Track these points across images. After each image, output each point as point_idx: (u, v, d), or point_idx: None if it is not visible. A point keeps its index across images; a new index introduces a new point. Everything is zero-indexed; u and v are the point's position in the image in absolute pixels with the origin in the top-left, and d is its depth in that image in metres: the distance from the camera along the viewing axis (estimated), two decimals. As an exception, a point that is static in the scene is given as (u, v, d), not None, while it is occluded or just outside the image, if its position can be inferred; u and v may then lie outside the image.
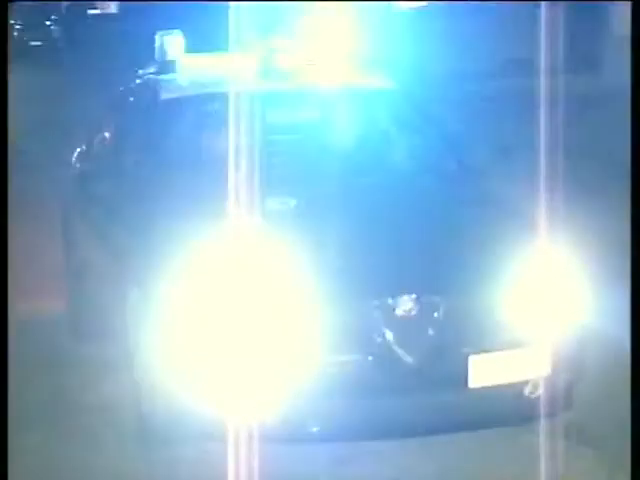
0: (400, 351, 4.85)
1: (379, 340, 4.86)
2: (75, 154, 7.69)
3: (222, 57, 7.22)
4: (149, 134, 6.42)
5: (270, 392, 4.79)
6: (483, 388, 4.89)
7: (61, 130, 14.02)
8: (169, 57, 6.76)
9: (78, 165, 7.55)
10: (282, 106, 6.63)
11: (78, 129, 8.08)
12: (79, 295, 7.11)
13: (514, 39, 22.51)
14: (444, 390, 4.92)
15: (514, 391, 4.97)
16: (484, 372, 4.89)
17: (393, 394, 4.91)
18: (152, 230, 5.68)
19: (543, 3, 12.76)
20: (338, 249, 5.18)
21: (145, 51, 7.54)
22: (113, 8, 44.06)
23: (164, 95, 6.53)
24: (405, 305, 4.89)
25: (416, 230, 5.48)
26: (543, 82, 9.57)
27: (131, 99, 7.22)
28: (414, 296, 4.90)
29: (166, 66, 6.80)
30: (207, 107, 6.68)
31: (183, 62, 6.82)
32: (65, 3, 43.04)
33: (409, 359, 4.85)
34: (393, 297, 4.90)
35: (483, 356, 4.88)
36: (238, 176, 5.87)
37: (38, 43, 39.49)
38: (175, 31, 6.85)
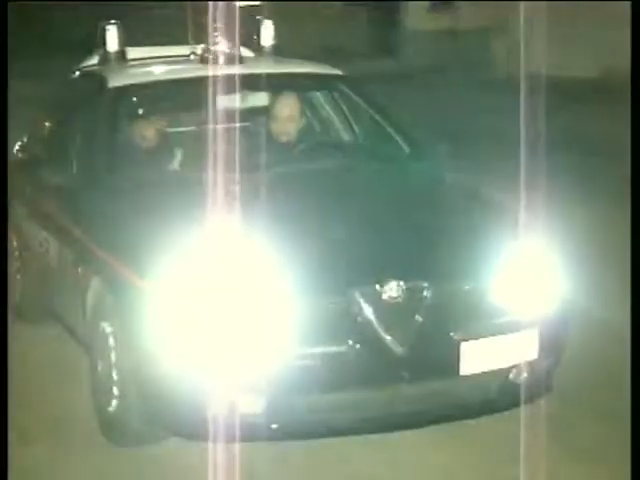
0: (390, 339, 4.67)
1: (368, 328, 4.68)
2: (20, 143, 7.39)
3: (166, 48, 7.13)
4: (98, 122, 6.14)
5: (255, 386, 4.61)
6: (474, 375, 4.77)
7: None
8: (113, 47, 6.62)
9: (23, 155, 7.27)
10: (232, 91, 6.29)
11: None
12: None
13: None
14: (435, 378, 4.81)
15: (502, 376, 4.88)
16: (475, 359, 4.76)
17: (384, 384, 4.76)
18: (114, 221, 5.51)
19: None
20: (320, 236, 5.01)
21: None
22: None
23: (112, 83, 6.29)
24: (393, 291, 4.69)
25: (398, 217, 5.39)
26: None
27: (77, 88, 7.00)
28: (402, 282, 4.71)
29: (111, 55, 6.66)
30: (157, 93, 6.48)
31: (131, 53, 6.73)
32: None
33: (399, 347, 4.68)
34: (380, 283, 4.70)
35: (474, 342, 4.75)
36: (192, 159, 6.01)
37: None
38: (115, 22, 6.66)
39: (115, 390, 5.11)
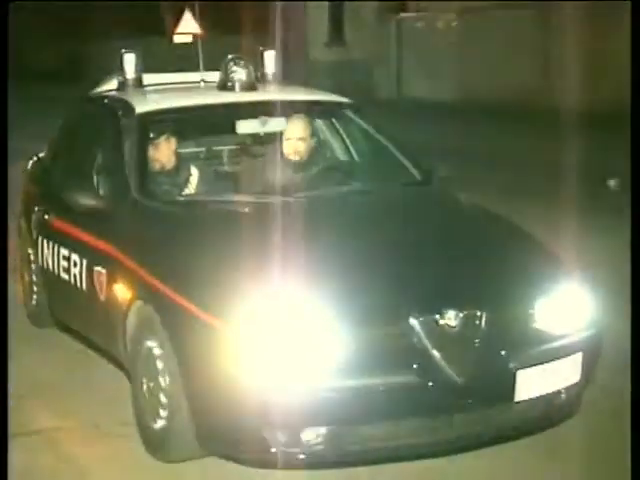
0: (449, 369, 3.83)
1: (427, 358, 3.83)
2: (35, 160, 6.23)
3: (178, 75, 6.14)
4: (128, 146, 5.09)
5: (317, 416, 3.76)
6: (527, 400, 3.99)
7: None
8: (131, 73, 5.64)
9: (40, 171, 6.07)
10: (244, 116, 5.43)
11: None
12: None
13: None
14: (492, 405, 4.02)
15: (551, 399, 4.13)
16: (529, 385, 3.97)
17: (443, 412, 3.92)
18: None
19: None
20: (371, 265, 4.15)
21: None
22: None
23: (139, 109, 5.24)
24: (451, 320, 3.87)
25: (439, 243, 4.54)
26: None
27: (99, 112, 5.80)
28: (459, 311, 3.88)
29: (129, 81, 5.66)
30: (182, 118, 5.46)
31: (146, 79, 5.75)
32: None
33: (459, 377, 3.84)
34: (439, 313, 3.87)
35: (529, 370, 3.96)
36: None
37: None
38: (134, 51, 5.68)
39: (162, 410, 4.21)
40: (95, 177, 5.17)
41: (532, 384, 3.96)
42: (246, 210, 4.80)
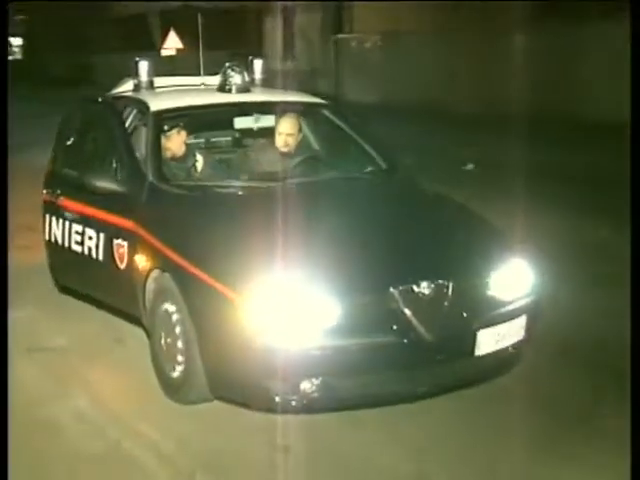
0: (423, 329, 3.51)
1: (405, 321, 3.50)
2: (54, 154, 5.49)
3: (182, 79, 5.65)
4: (145, 137, 4.68)
5: (313, 368, 3.45)
6: (484, 354, 3.70)
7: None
8: (144, 77, 5.19)
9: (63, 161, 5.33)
10: (241, 113, 5.19)
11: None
12: None
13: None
14: (457, 359, 3.72)
15: (502, 353, 3.82)
16: (486, 343, 3.68)
17: (418, 365, 3.63)
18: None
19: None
20: (357, 243, 3.80)
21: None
22: None
23: (153, 107, 4.78)
24: (425, 289, 3.55)
25: (412, 224, 4.16)
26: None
27: (117, 109, 5.17)
28: (431, 281, 3.56)
29: (142, 84, 5.20)
30: (190, 115, 4.95)
31: (156, 82, 5.29)
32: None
33: (430, 336, 3.51)
34: (415, 283, 3.54)
35: (486, 330, 3.67)
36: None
37: None
38: (147, 58, 5.29)
39: (178, 362, 3.84)
40: (114, 164, 4.63)
41: (488, 341, 3.66)
42: (246, 193, 4.40)
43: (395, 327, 3.47)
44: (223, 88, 5.03)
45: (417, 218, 4.28)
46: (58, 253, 5.08)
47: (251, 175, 4.64)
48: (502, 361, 3.87)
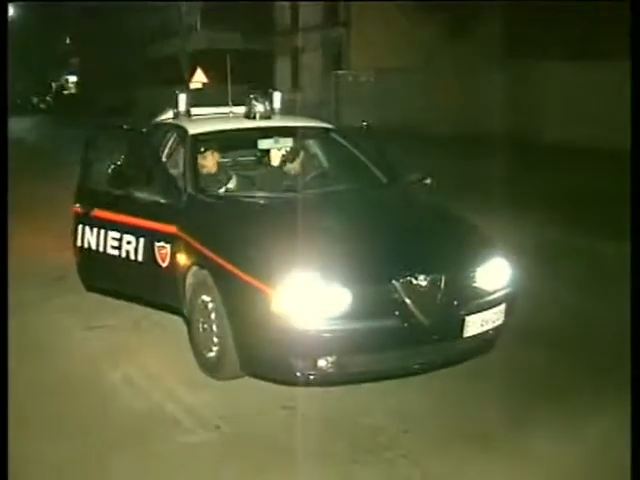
0: (420, 315, 3.50)
1: (404, 308, 3.48)
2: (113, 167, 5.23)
3: (213, 109, 5.53)
4: (185, 156, 4.62)
5: (328, 348, 3.42)
6: (471, 336, 3.67)
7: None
8: (182, 107, 5.19)
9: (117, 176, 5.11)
10: (264, 136, 5.03)
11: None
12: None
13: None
14: (448, 340, 3.68)
15: (485, 335, 3.77)
16: (472, 326, 3.65)
17: (416, 344, 3.59)
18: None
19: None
20: (365, 243, 3.76)
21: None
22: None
23: (191, 131, 4.77)
24: (421, 282, 3.52)
25: (409, 228, 4.12)
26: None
27: (161, 134, 5.23)
28: (427, 275, 3.53)
29: (181, 113, 5.19)
30: (222, 137, 4.95)
31: (193, 111, 5.27)
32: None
33: (426, 320, 3.50)
34: (413, 276, 3.51)
35: (473, 316, 3.64)
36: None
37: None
38: (185, 92, 5.36)
39: (213, 344, 3.81)
40: (157, 179, 4.55)
41: (474, 325, 3.63)
42: (270, 202, 4.36)
43: (397, 313, 3.45)
44: (248, 115, 5.00)
45: (414, 222, 4.24)
46: (90, 257, 4.85)
47: (273, 188, 4.59)
48: (485, 342, 3.83)
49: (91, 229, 4.79)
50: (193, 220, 4.16)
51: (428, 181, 4.75)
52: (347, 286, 3.37)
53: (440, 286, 3.54)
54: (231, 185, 4.78)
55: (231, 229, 3.91)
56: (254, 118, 4.96)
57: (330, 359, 3.38)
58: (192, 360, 4.04)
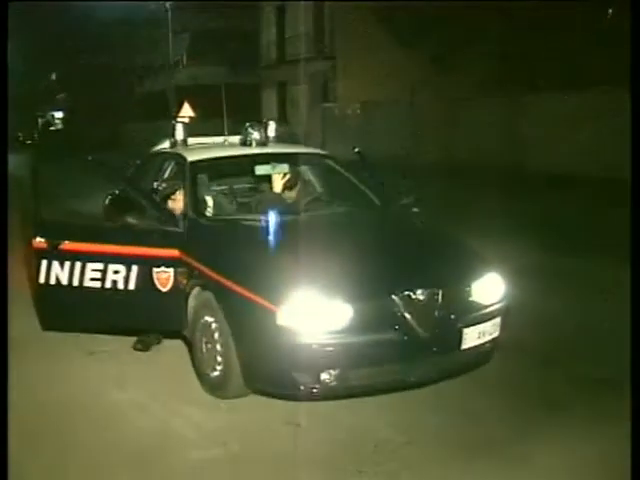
0: (418, 328, 3.63)
1: (403, 321, 3.62)
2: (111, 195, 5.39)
3: (209, 138, 5.74)
4: (184, 182, 4.76)
5: (331, 361, 3.53)
6: (468, 348, 3.80)
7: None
8: (180, 137, 5.36)
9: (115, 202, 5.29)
10: (261, 162, 5.16)
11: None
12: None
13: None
14: (446, 352, 3.79)
15: (482, 347, 3.91)
16: (470, 339, 3.79)
17: (415, 357, 3.71)
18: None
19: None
20: (365, 260, 3.90)
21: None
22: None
23: (189, 159, 4.89)
24: (419, 296, 3.66)
25: (406, 246, 4.28)
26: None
27: (160, 161, 5.47)
28: (425, 289, 3.68)
29: (178, 142, 5.37)
30: (219, 164, 5.12)
31: (189, 140, 5.45)
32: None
33: (425, 333, 3.64)
34: (412, 291, 3.66)
35: (470, 328, 3.78)
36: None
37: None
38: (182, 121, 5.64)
39: (217, 364, 3.91)
40: (155, 206, 4.63)
41: (471, 337, 3.77)
42: (268, 224, 4.43)
43: (397, 326, 3.58)
44: (245, 142, 5.19)
45: (410, 240, 4.40)
46: (58, 293, 4.52)
47: (269, 211, 4.65)
48: (482, 354, 3.96)
49: (60, 263, 4.47)
50: (196, 244, 4.28)
51: (416, 209, 4.92)
52: (348, 302, 3.50)
53: (438, 300, 3.68)
54: (231, 208, 4.94)
55: (235, 251, 4.03)
56: (250, 145, 5.13)
57: (333, 372, 3.50)
58: (195, 381, 4.14)
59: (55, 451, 3.48)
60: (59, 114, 43.63)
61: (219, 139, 5.62)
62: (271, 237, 4.20)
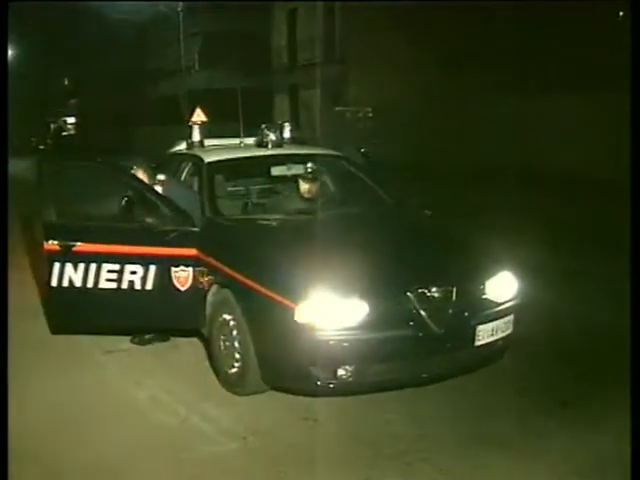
0: (433, 325, 3.73)
1: (418, 318, 3.72)
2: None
3: (225, 140, 5.89)
4: (202, 183, 4.92)
5: (347, 357, 3.64)
6: (482, 344, 3.89)
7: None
8: (196, 138, 5.54)
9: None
10: (277, 163, 5.32)
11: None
12: None
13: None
14: (461, 348, 3.89)
15: (495, 344, 4.00)
16: (483, 335, 3.88)
17: (430, 353, 3.81)
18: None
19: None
20: (380, 258, 4.00)
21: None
22: None
23: (206, 160, 5.06)
24: (434, 293, 3.77)
25: (421, 244, 4.38)
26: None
27: (181, 162, 5.55)
28: (439, 287, 3.78)
29: (195, 144, 5.54)
30: (236, 164, 5.25)
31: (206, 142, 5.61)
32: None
33: (439, 330, 3.74)
34: (427, 289, 3.76)
35: (484, 325, 3.88)
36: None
37: None
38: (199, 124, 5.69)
39: (235, 361, 4.02)
40: (172, 207, 4.66)
41: (485, 334, 3.86)
42: (284, 224, 4.62)
43: (412, 323, 3.68)
44: (261, 144, 5.32)
45: (424, 239, 4.49)
46: (71, 295, 4.53)
47: (287, 210, 4.84)
48: (495, 350, 4.05)
49: (74, 265, 4.49)
50: (214, 243, 4.39)
51: (428, 212, 5.02)
52: (364, 299, 3.61)
53: (452, 297, 3.77)
54: (248, 208, 5.09)
55: (253, 250, 4.15)
56: (266, 146, 5.26)
57: (349, 368, 3.60)
58: (213, 377, 4.25)
59: (75, 446, 3.59)
60: (71, 119, 44.02)
61: (235, 141, 5.74)
62: (288, 236, 4.31)
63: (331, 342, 3.57)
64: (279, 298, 3.66)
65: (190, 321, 4.54)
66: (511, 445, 3.49)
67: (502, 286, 4.02)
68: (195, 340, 4.77)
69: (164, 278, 4.48)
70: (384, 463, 3.36)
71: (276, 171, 5.20)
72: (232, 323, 4.01)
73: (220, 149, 5.47)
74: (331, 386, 3.64)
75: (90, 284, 4.50)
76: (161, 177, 4.87)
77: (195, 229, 4.48)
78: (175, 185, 4.99)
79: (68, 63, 40.29)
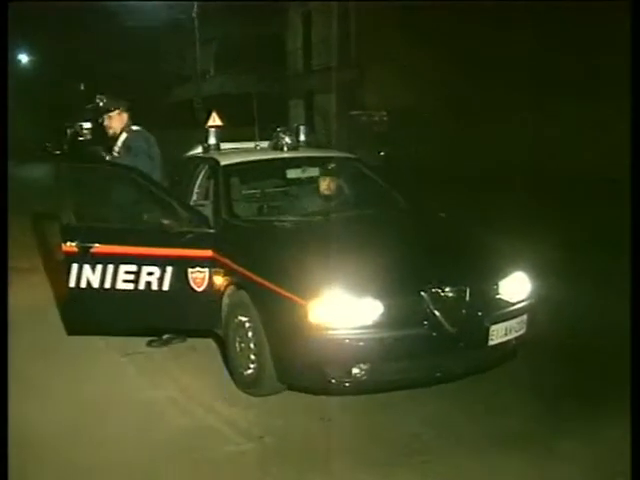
0: (447, 324, 3.79)
1: (432, 317, 3.78)
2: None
3: (241, 143, 5.97)
4: (218, 185, 4.99)
5: (362, 356, 3.71)
6: (495, 344, 3.94)
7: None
8: (213, 142, 5.63)
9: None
10: (293, 166, 5.42)
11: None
12: None
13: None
14: (474, 348, 3.94)
15: (508, 344, 4.05)
16: (497, 335, 3.93)
17: (443, 352, 3.86)
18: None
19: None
20: (395, 258, 4.05)
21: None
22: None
23: (222, 163, 5.16)
24: (448, 293, 3.82)
25: (435, 244, 4.42)
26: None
27: (198, 165, 5.57)
28: (453, 287, 3.84)
29: (211, 147, 5.63)
30: (251, 167, 5.33)
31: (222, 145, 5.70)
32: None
33: (453, 329, 3.80)
34: (441, 288, 3.81)
35: (497, 325, 3.92)
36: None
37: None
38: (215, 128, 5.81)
39: (251, 362, 4.09)
40: (190, 207, 4.91)
41: (498, 334, 3.91)
42: (299, 225, 4.69)
43: (425, 322, 3.74)
44: (276, 147, 5.41)
45: (438, 239, 4.53)
46: (90, 296, 4.59)
47: (301, 212, 4.94)
48: (509, 350, 4.09)
49: (92, 266, 4.56)
50: (230, 244, 4.46)
51: (442, 214, 5.07)
52: (379, 298, 3.67)
53: (465, 297, 3.82)
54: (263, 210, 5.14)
55: (268, 251, 4.22)
56: (282, 149, 5.35)
57: (364, 367, 3.66)
58: (229, 378, 4.31)
59: (93, 447, 3.66)
60: (88, 124, 44.40)
61: (250, 144, 5.82)
62: (304, 237, 4.38)
63: (346, 341, 3.63)
64: (294, 298, 3.72)
65: (206, 322, 4.60)
66: (526, 445, 3.52)
67: (515, 286, 4.06)
68: (212, 341, 4.84)
69: (180, 279, 4.55)
70: (400, 462, 3.40)
71: (291, 173, 5.28)
72: (248, 324, 4.07)
73: (236, 152, 5.56)
74: (346, 385, 3.70)
75: (108, 285, 4.57)
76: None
77: (211, 230, 4.56)
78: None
79: (84, 68, 40.72)
